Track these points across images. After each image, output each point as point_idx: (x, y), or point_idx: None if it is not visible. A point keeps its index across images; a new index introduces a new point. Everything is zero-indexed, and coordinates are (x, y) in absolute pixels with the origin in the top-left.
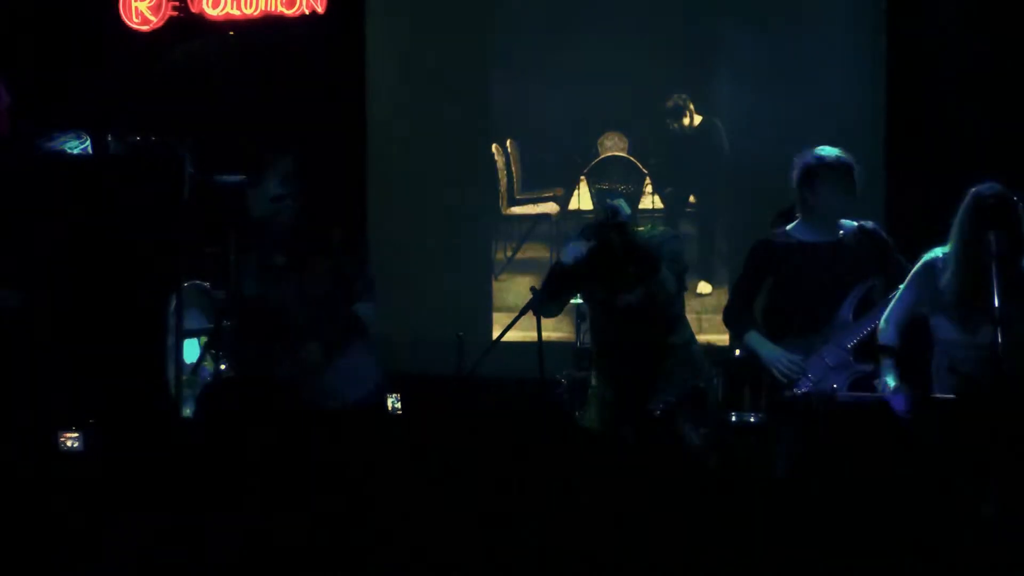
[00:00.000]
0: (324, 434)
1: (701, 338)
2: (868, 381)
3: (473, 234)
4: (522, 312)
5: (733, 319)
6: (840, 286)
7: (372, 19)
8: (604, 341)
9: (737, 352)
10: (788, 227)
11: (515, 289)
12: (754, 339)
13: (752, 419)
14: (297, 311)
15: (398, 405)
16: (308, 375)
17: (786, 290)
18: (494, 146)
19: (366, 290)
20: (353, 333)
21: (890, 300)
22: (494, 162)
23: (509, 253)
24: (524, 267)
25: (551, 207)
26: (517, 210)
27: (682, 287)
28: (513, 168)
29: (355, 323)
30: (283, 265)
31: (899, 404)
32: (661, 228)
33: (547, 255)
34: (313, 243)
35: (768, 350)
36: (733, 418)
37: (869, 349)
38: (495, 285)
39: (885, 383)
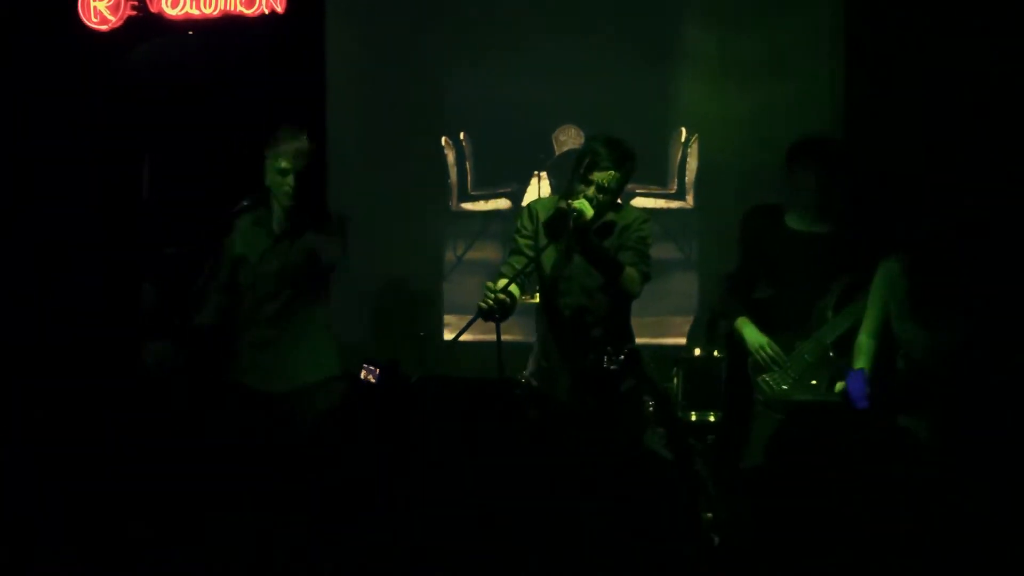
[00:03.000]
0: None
1: (667, 341)
2: None
3: (429, 231)
4: (477, 315)
5: (725, 301)
6: (823, 279)
7: (331, 18)
8: (551, 333)
9: (697, 352)
10: (786, 213)
11: (466, 290)
12: (742, 323)
13: (712, 418)
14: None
15: (372, 378)
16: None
17: (771, 277)
18: (444, 139)
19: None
20: (317, 316)
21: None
22: (449, 159)
23: (460, 251)
24: (475, 268)
25: (504, 203)
26: (469, 206)
27: (646, 277)
28: (467, 163)
29: (320, 309)
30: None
31: (857, 385)
32: (633, 213)
33: (500, 255)
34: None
35: (754, 336)
36: (693, 417)
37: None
38: (445, 286)
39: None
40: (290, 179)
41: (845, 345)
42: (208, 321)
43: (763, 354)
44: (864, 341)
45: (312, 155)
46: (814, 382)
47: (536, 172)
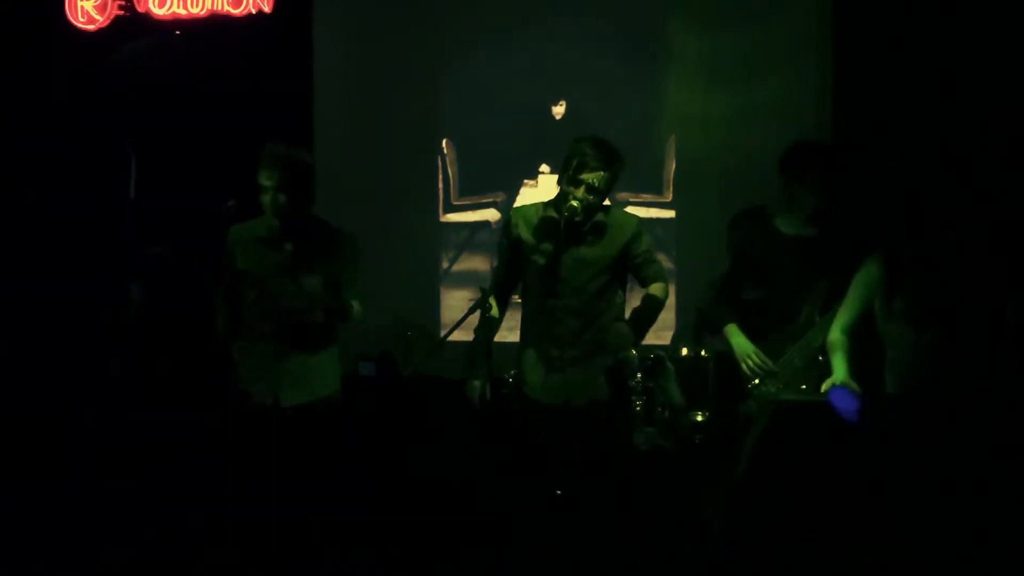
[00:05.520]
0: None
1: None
2: None
3: (419, 240)
4: (470, 311)
5: (712, 309)
6: (811, 282)
7: (319, 19)
8: (541, 333)
9: (684, 352)
10: (775, 217)
11: (453, 302)
12: (731, 331)
13: (700, 418)
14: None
15: (370, 372)
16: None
17: (760, 281)
18: (435, 147)
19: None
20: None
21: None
22: (437, 166)
23: (447, 264)
24: (463, 279)
25: (491, 214)
26: (454, 217)
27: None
28: (450, 171)
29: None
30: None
31: (843, 400)
32: (623, 216)
33: (488, 266)
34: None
35: (741, 344)
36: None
37: None
38: (440, 290)
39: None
40: (268, 196)
41: None
42: (224, 329)
43: (749, 363)
44: (838, 337)
45: (295, 167)
46: (804, 387)
47: (525, 180)
